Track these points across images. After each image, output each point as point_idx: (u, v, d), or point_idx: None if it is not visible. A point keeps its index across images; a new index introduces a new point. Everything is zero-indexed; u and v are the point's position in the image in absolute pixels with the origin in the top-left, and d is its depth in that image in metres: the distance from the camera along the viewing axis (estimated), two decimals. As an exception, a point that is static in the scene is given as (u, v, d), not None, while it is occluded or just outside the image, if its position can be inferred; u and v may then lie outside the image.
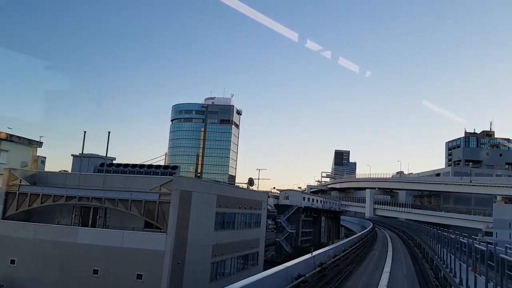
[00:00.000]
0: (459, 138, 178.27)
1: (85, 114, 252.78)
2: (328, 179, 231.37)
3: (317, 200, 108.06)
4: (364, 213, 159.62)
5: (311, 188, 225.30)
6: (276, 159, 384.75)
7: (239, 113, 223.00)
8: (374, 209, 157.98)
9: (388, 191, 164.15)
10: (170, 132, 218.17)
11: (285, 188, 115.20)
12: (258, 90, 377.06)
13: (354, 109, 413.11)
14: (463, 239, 21.28)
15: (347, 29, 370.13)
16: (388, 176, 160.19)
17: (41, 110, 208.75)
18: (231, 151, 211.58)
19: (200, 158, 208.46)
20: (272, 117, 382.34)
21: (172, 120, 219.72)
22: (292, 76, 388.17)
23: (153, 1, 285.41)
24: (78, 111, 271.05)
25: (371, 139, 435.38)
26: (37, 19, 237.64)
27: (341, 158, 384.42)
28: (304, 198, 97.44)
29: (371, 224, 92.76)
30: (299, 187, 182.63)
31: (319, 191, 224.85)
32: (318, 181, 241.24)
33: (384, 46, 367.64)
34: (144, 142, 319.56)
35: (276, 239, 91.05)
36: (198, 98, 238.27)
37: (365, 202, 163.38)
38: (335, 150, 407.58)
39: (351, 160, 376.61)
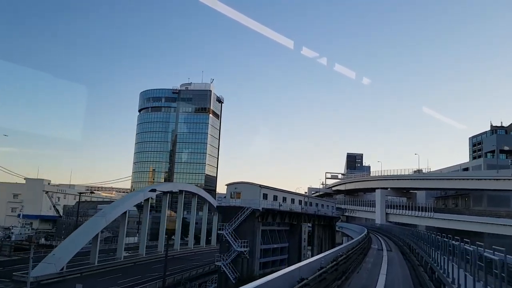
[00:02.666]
0: (485, 132, 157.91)
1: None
2: (334, 181, 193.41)
3: (292, 200, 71.50)
4: (375, 220, 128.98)
5: (312, 192, 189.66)
6: (270, 162, 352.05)
7: (220, 100, 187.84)
8: (387, 214, 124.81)
9: (404, 191, 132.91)
10: (137, 124, 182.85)
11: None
12: (253, 95, 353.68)
13: (362, 113, 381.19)
14: None
15: (343, 36, 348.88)
16: (403, 173, 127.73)
17: None
18: (208, 145, 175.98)
19: (172, 155, 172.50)
20: (266, 119, 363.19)
21: (140, 110, 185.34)
22: (288, 81, 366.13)
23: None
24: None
25: (381, 143, 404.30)
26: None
27: (354, 162, 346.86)
28: (265, 195, 61.46)
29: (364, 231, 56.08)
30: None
31: (324, 195, 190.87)
32: (322, 183, 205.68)
33: (381, 51, 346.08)
34: (111, 139, 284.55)
35: (217, 263, 55.18)
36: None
37: (375, 206, 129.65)
38: (347, 153, 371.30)
39: (365, 163, 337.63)
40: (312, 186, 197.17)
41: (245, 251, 58.57)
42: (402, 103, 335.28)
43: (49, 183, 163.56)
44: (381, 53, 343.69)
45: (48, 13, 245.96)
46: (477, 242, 15.78)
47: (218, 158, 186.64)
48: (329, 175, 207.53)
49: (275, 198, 70.10)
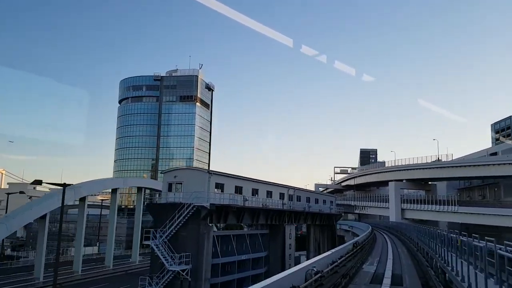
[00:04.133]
0: (509, 117, 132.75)
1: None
2: (343, 176, 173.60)
3: (268, 193, 52.42)
4: (389, 217, 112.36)
5: (320, 188, 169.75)
6: (273, 160, 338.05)
7: (209, 88, 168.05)
8: (402, 210, 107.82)
9: (422, 183, 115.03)
10: (117, 117, 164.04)
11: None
12: (253, 93, 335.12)
13: (370, 109, 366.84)
14: None
15: (342, 33, 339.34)
16: (420, 162, 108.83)
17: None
18: (196, 139, 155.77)
19: (157, 150, 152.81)
20: (266, 116, 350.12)
21: (120, 101, 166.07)
22: (288, 78, 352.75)
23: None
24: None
25: (391, 138, 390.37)
26: None
27: (368, 157, 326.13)
28: (220, 185, 42.40)
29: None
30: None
31: (334, 191, 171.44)
32: (331, 179, 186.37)
33: (382, 47, 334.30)
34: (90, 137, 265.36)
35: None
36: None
37: (389, 202, 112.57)
38: (361, 149, 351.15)
39: (379, 159, 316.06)
40: (320, 183, 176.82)
41: (184, 270, 38.79)
42: (408, 98, 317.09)
43: (34, 188, 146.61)
44: (381, 48, 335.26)
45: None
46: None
47: (209, 153, 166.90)
48: (338, 170, 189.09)
49: (239, 190, 50.60)
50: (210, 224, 43.10)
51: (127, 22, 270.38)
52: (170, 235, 40.67)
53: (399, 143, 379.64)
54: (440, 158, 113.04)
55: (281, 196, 62.37)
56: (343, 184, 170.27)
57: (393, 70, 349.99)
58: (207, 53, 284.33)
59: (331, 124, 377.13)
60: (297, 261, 61.54)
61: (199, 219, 41.14)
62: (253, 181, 54.70)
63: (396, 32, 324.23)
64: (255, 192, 54.81)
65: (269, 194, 58.74)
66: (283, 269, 55.79)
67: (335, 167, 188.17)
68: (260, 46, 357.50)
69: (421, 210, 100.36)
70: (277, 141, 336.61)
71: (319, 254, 68.50)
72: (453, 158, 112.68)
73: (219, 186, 46.84)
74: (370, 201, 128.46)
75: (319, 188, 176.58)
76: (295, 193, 66.48)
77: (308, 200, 72.50)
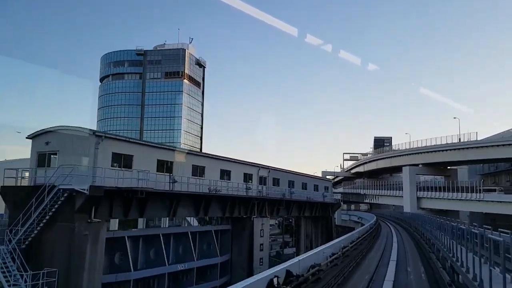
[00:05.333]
0: None
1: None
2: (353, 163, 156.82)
3: (225, 173, 36.57)
4: (403, 207, 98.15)
5: (328, 176, 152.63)
6: (279, 150, 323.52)
7: (200, 64, 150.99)
8: (418, 199, 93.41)
9: (441, 167, 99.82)
10: (98, 97, 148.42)
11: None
12: (256, 82, 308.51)
13: (379, 97, 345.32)
14: None
15: (347, 22, 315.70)
16: (439, 143, 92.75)
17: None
18: (184, 120, 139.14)
19: (140, 134, 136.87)
20: (269, 104, 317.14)
21: (101, 80, 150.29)
22: (292, 66, 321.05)
23: None
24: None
25: (402, 128, 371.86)
26: None
27: (382, 146, 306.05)
28: (117, 157, 25.66)
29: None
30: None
31: (343, 180, 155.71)
32: (340, 166, 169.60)
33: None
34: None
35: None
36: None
37: (403, 190, 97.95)
38: (375, 137, 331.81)
39: (394, 148, 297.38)
40: (327, 170, 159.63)
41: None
42: (422, 88, 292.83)
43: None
44: (387, 36, 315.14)
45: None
46: None
47: (201, 138, 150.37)
48: (347, 156, 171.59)
49: (168, 166, 34.32)
50: (97, 220, 27.04)
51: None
52: (27, 239, 24.99)
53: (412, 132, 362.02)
54: (461, 139, 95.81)
55: (247, 178, 46.32)
56: (353, 171, 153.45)
57: (400, 58, 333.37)
58: (207, 40, 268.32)
59: (341, 112, 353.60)
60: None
61: (73, 212, 25.48)
62: (194, 154, 38.66)
63: (402, 20, 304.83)
64: (200, 171, 38.77)
65: (226, 174, 42.74)
66: (250, 274, 40.06)
67: (344, 153, 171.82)
68: (263, 34, 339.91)
69: (440, 198, 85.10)
70: (280, 130, 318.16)
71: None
72: (478, 139, 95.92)
73: (121, 159, 30.75)
74: (382, 189, 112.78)
75: (327, 176, 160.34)
76: (270, 174, 50.24)
77: (291, 184, 56.26)
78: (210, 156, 44.23)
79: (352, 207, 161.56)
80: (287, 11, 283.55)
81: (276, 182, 53.81)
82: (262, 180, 49.81)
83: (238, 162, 47.70)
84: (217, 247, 42.46)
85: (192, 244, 39.01)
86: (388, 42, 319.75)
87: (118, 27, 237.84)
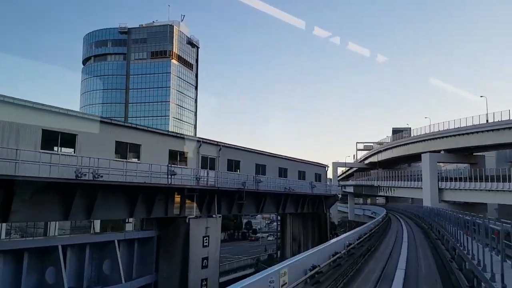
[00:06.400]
0: None
1: None
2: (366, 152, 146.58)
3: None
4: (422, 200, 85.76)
5: (338, 167, 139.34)
6: (288, 143, 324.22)
7: (192, 43, 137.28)
8: (440, 190, 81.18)
9: (465, 154, 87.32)
10: (81, 81, 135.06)
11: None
12: (258, 72, 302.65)
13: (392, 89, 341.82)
14: None
15: (354, 14, 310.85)
16: (464, 125, 78.94)
17: None
18: (172, 105, 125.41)
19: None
20: (277, 96, 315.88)
21: (84, 62, 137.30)
22: (300, 61, 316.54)
23: None
24: None
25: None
26: None
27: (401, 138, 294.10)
28: None
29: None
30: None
31: (357, 170, 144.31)
32: (354, 157, 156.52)
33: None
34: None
35: None
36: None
37: (421, 180, 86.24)
38: (393, 128, 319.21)
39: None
40: (339, 161, 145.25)
41: None
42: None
43: None
44: (395, 27, 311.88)
45: None
46: None
47: (196, 126, 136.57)
48: (361, 146, 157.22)
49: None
50: None
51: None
52: None
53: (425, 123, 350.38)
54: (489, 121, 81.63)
55: (176, 156, 32.79)
56: (366, 161, 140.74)
57: (408, 49, 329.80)
58: (212, 33, 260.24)
59: (352, 105, 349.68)
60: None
61: None
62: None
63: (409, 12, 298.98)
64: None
65: (134, 150, 29.30)
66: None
67: (357, 142, 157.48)
68: (270, 27, 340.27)
69: (465, 189, 72.71)
70: (287, 121, 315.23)
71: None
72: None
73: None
74: (399, 180, 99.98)
75: (338, 168, 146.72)
76: (222, 153, 36.24)
77: (261, 170, 42.19)
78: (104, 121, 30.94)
79: (368, 201, 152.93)
80: (294, 4, 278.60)
81: (234, 165, 40.23)
82: (206, 163, 36.53)
83: (153, 132, 33.93)
84: (133, 265, 28.48)
85: (88, 259, 25.62)
86: (397, 33, 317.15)
87: (106, 4, 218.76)
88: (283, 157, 50.08)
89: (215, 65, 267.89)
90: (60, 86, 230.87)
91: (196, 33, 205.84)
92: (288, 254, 48.15)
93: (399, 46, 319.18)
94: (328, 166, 56.97)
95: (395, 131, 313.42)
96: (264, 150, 44.89)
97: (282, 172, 49.12)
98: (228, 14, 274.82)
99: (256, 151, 43.81)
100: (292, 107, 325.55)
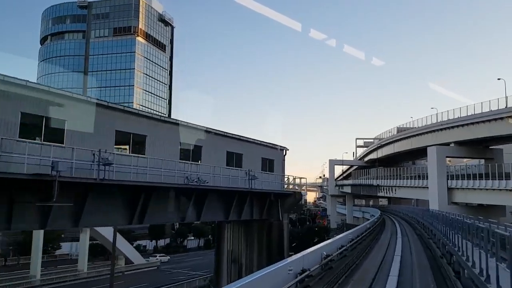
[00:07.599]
0: None
1: None
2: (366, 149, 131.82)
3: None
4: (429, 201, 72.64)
5: (335, 165, 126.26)
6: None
7: (165, 21, 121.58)
8: (450, 190, 67.81)
9: (480, 147, 74.19)
10: (38, 63, 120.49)
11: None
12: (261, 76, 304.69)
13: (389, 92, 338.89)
14: None
15: (351, 16, 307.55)
16: (478, 112, 65.95)
17: None
18: (137, 90, 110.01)
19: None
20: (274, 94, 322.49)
21: (42, 41, 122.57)
22: (295, 62, 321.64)
23: None
24: None
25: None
26: None
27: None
28: None
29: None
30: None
31: (356, 169, 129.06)
32: (353, 154, 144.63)
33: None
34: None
35: None
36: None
37: (427, 178, 73.05)
38: (397, 127, 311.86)
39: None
40: (337, 158, 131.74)
41: None
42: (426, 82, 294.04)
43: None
44: (391, 30, 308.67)
45: None
46: None
47: (170, 114, 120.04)
48: (361, 142, 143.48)
49: None
50: None
51: None
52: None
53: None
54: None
55: None
56: (366, 159, 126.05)
57: (405, 52, 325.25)
58: (204, 32, 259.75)
59: (346, 107, 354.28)
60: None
61: None
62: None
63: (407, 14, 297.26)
64: None
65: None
66: None
67: (357, 138, 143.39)
68: (266, 28, 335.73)
69: (480, 189, 59.42)
70: (285, 120, 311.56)
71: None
72: None
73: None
74: (401, 179, 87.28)
75: (335, 166, 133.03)
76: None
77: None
78: None
79: (371, 202, 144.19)
80: (291, 6, 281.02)
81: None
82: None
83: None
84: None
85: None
86: (393, 36, 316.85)
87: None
88: (221, 132, 33.22)
89: (209, 66, 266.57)
90: (17, 70, 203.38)
91: (188, 31, 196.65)
92: (224, 280, 33.12)
93: (395, 48, 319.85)
94: (287, 149, 40.48)
95: (400, 130, 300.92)
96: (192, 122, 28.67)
97: (210, 153, 31.72)
98: (225, 16, 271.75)
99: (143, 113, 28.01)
100: (289, 107, 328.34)
